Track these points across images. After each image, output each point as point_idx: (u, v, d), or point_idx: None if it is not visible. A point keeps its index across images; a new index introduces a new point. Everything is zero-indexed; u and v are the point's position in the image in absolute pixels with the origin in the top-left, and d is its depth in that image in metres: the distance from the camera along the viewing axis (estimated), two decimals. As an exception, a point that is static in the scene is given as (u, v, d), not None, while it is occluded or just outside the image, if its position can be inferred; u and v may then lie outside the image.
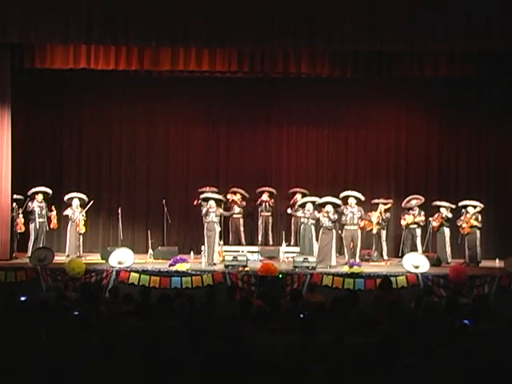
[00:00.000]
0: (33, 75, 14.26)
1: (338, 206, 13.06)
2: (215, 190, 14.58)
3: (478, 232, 13.38)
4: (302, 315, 6.58)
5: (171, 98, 15.45)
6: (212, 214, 12.80)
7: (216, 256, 12.78)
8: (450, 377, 4.87)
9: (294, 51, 13.28)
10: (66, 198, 13.79)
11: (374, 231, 13.80)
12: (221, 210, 13.11)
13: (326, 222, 12.73)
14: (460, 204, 13.64)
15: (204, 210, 12.87)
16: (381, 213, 13.90)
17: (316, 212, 13.19)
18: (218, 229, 12.88)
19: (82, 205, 13.74)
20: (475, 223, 13.33)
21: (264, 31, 12.10)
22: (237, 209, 14.79)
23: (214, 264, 12.57)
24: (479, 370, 4.93)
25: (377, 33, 12.00)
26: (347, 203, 13.29)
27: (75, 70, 13.47)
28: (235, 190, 14.87)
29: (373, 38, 12.02)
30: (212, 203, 12.87)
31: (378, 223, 13.83)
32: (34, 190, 13.57)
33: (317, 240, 13.03)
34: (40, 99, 15.18)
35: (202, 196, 13.36)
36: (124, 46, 12.96)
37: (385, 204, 14.06)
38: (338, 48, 12.67)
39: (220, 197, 13.50)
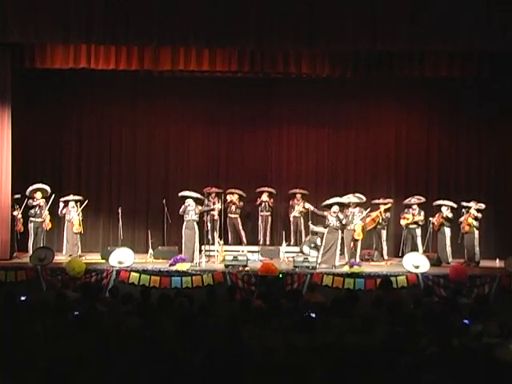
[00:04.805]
0: (33, 75, 14.25)
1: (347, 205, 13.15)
2: (220, 190, 14.53)
3: (476, 232, 13.37)
4: (304, 315, 6.57)
5: (171, 97, 15.43)
6: (191, 212, 12.72)
7: (197, 256, 12.66)
8: (450, 377, 4.87)
9: (294, 51, 13.27)
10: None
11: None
12: (200, 208, 13.01)
13: (333, 221, 12.61)
14: (463, 204, 13.62)
15: (182, 208, 12.73)
16: (380, 213, 13.91)
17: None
18: (197, 228, 12.79)
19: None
20: (473, 223, 13.32)
21: (264, 31, 12.09)
22: (234, 209, 14.77)
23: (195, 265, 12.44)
24: (479, 370, 4.93)
25: (377, 33, 12.00)
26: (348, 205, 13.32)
27: (75, 70, 13.45)
28: (232, 190, 14.83)
29: (373, 38, 12.02)
30: (190, 201, 12.77)
31: (378, 223, 13.86)
32: (31, 187, 13.51)
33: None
34: (40, 99, 15.15)
35: (180, 194, 13.15)
36: (124, 46, 12.94)
37: (385, 204, 14.06)
38: (337, 48, 12.65)
39: (199, 195, 13.40)
